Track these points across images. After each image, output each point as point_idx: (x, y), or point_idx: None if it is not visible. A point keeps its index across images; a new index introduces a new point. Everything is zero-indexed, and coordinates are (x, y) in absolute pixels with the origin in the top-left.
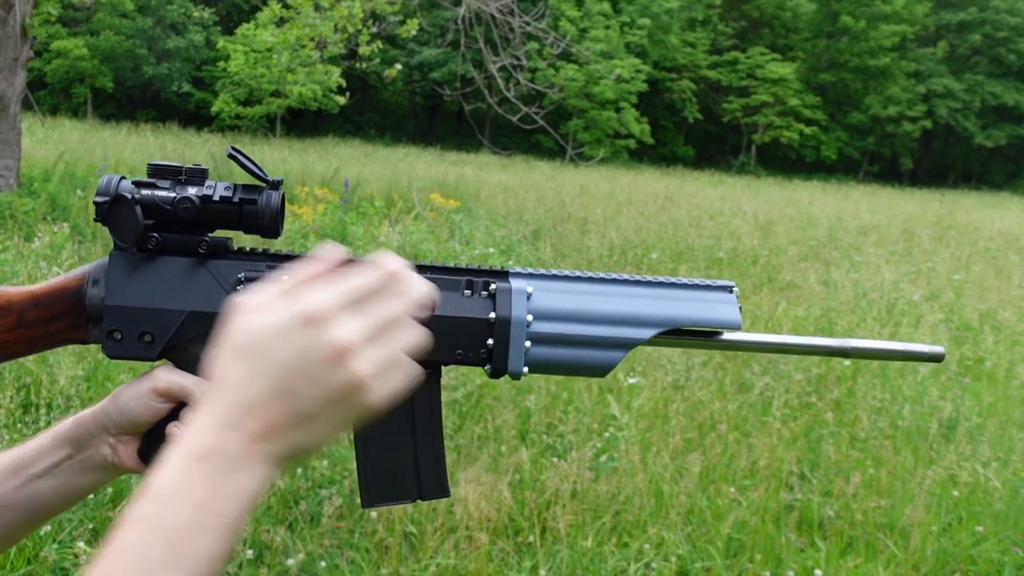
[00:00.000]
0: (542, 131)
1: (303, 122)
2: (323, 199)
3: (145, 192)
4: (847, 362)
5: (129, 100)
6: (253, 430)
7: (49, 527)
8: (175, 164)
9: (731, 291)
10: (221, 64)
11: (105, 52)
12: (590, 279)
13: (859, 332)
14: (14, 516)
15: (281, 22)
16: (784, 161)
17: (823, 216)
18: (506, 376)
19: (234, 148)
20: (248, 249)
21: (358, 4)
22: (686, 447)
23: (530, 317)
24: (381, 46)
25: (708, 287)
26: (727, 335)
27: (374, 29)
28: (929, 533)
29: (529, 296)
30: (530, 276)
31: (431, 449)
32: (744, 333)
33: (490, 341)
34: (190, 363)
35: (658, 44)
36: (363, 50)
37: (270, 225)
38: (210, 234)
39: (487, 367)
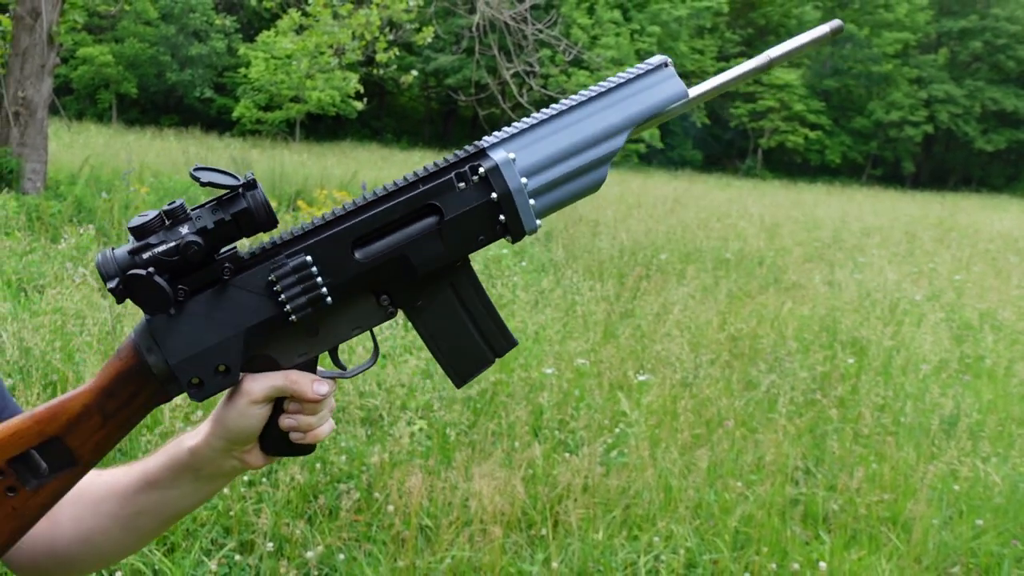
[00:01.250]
0: None
1: (322, 127)
2: (341, 202)
3: (149, 255)
4: (851, 360)
5: (153, 105)
6: None
7: None
8: (152, 213)
9: (667, 66)
10: (242, 70)
11: (129, 59)
12: (552, 118)
13: (862, 330)
14: (148, 521)
15: (300, 30)
16: (789, 165)
17: (827, 218)
18: (519, 377)
19: (199, 167)
20: (258, 249)
21: (375, 12)
22: (694, 443)
23: (524, 179)
24: (398, 53)
25: (648, 73)
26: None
27: (391, 36)
28: (931, 526)
29: (514, 161)
30: (504, 142)
31: (487, 317)
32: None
33: (502, 216)
34: (266, 365)
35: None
36: (380, 57)
37: (267, 220)
38: (218, 255)
39: (508, 237)
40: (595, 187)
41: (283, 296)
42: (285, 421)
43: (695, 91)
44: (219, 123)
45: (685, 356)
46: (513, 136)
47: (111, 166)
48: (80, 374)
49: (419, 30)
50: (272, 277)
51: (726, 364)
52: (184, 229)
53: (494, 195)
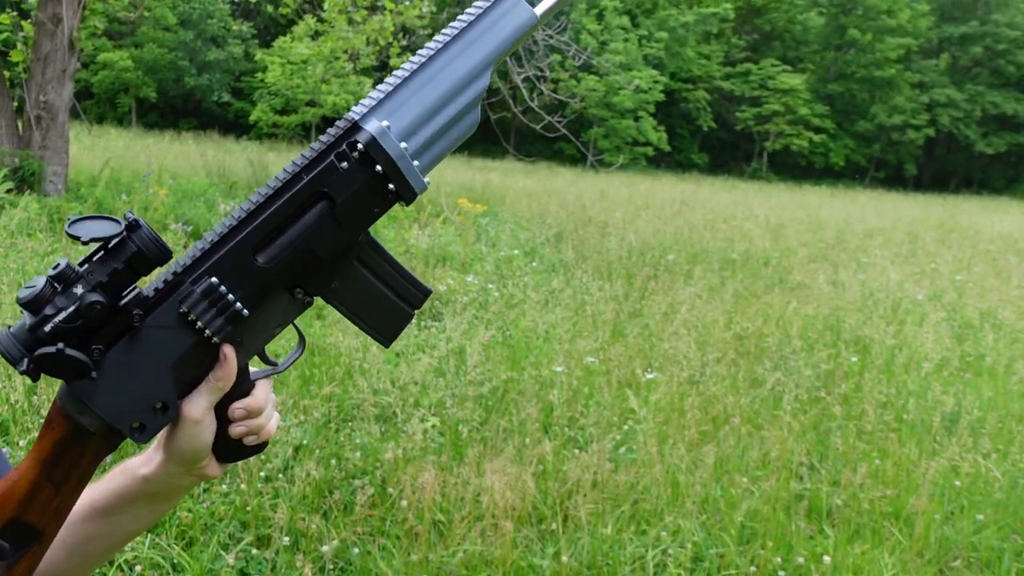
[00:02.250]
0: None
1: None
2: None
3: (50, 327)
4: (854, 359)
5: (172, 109)
6: None
7: None
8: (39, 282)
9: None
10: (259, 75)
11: (149, 64)
12: (414, 73)
13: (866, 329)
14: (98, 546)
15: (316, 35)
16: (794, 167)
17: (831, 220)
18: (529, 375)
19: (73, 221)
20: (161, 283)
21: (389, 18)
22: (701, 439)
23: (404, 144)
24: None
25: (494, 5)
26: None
27: (404, 42)
28: (932, 521)
29: (389, 128)
30: (374, 109)
31: (397, 276)
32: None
33: (391, 185)
34: (197, 384)
35: (675, 56)
36: (394, 62)
37: (160, 254)
38: (121, 301)
39: (401, 202)
40: (471, 130)
41: (199, 323)
42: (236, 430)
43: (541, 8)
44: (236, 127)
45: (692, 354)
46: (381, 102)
47: (131, 169)
48: None
49: (431, 35)
50: (184, 308)
51: (732, 362)
52: (78, 289)
53: (378, 168)
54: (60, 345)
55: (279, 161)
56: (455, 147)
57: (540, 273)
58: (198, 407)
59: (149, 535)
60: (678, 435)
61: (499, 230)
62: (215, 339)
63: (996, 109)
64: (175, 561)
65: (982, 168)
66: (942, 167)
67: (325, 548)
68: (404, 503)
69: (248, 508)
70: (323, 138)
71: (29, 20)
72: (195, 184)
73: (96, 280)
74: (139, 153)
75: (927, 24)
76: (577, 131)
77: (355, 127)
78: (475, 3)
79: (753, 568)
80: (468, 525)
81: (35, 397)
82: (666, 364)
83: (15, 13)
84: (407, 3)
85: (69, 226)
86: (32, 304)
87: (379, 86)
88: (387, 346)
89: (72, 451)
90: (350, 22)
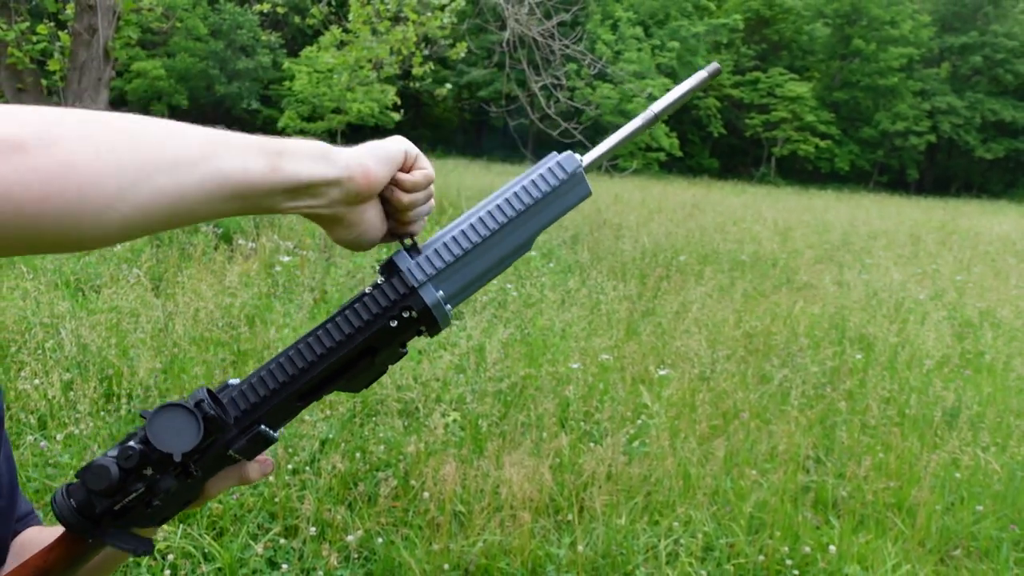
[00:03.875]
0: (580, 144)
1: (361, 136)
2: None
3: (119, 506)
4: (859, 356)
5: (202, 116)
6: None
7: None
8: (109, 470)
9: (579, 169)
10: (286, 83)
11: (181, 72)
12: (474, 247)
13: (869, 328)
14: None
15: (341, 45)
16: (801, 172)
17: (837, 222)
18: (546, 372)
19: (150, 416)
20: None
21: (412, 28)
22: (711, 433)
23: (449, 307)
24: (433, 67)
25: (561, 182)
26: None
27: (426, 52)
28: (934, 512)
29: (442, 297)
30: (432, 278)
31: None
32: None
33: (421, 328)
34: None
35: (686, 65)
36: (416, 71)
37: (219, 425)
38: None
39: (425, 334)
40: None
41: (236, 456)
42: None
43: (587, 158)
44: (265, 133)
45: (703, 352)
46: (441, 271)
47: None
48: (134, 368)
49: (453, 46)
50: (230, 452)
51: (741, 359)
52: (149, 470)
53: (423, 329)
54: (135, 549)
55: None
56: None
57: (556, 274)
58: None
59: (181, 525)
60: (689, 429)
61: None
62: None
63: (995, 116)
64: (206, 550)
65: (981, 173)
66: (943, 172)
67: (350, 538)
68: (426, 495)
69: (276, 499)
70: (379, 297)
71: (66, 31)
72: None
73: (166, 485)
74: None
75: (928, 34)
76: (593, 137)
77: (413, 292)
78: (549, 167)
79: (761, 557)
80: (488, 516)
81: (71, 393)
82: (678, 361)
83: (52, 24)
84: (429, 15)
85: (147, 417)
86: (104, 491)
87: (439, 243)
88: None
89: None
90: (374, 32)
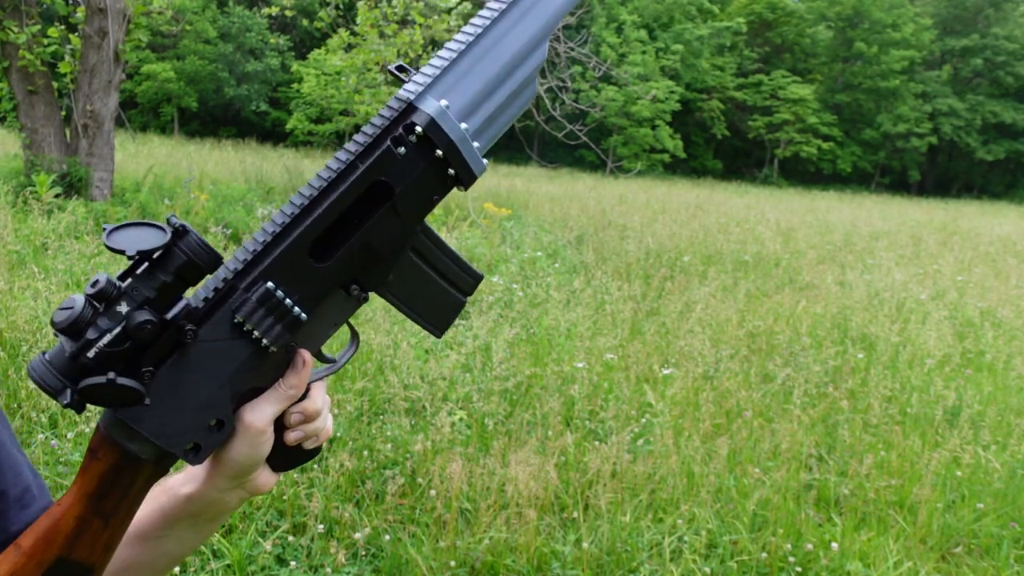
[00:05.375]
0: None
1: None
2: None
3: (94, 353)
4: (861, 355)
5: (212, 118)
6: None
7: None
8: (77, 301)
9: None
10: (295, 86)
11: (190, 75)
12: (471, 46)
13: (871, 327)
14: (138, 574)
15: (349, 48)
16: (804, 173)
17: (839, 223)
18: (552, 371)
19: (111, 231)
20: (211, 292)
21: (419, 32)
22: (715, 432)
23: (464, 126)
24: None
25: None
26: None
27: (433, 54)
28: (935, 510)
29: (448, 108)
30: (431, 87)
31: (452, 265)
32: None
33: (451, 170)
34: (254, 395)
35: (690, 68)
36: None
37: (210, 260)
38: (169, 315)
39: (459, 187)
40: (526, 105)
41: (256, 333)
42: (292, 435)
43: None
44: (273, 135)
45: (707, 351)
46: (438, 78)
47: (173, 175)
48: None
49: None
50: (238, 318)
51: (745, 359)
52: (122, 307)
53: (439, 152)
54: (111, 375)
55: (314, 167)
56: (511, 123)
57: (562, 274)
58: (264, 416)
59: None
60: (693, 428)
61: (523, 233)
62: (273, 348)
63: (995, 118)
64: (215, 548)
65: (982, 174)
66: (944, 173)
67: (358, 535)
68: (433, 492)
69: (284, 497)
70: (375, 120)
71: (76, 34)
72: (234, 189)
73: (142, 296)
74: (181, 160)
75: (930, 37)
76: (597, 139)
77: (411, 108)
78: None
79: (764, 554)
80: (494, 513)
81: None
82: (682, 360)
83: (63, 27)
84: (436, 17)
85: (108, 236)
86: (71, 328)
87: (432, 60)
88: (439, 336)
89: (122, 481)
90: (382, 35)
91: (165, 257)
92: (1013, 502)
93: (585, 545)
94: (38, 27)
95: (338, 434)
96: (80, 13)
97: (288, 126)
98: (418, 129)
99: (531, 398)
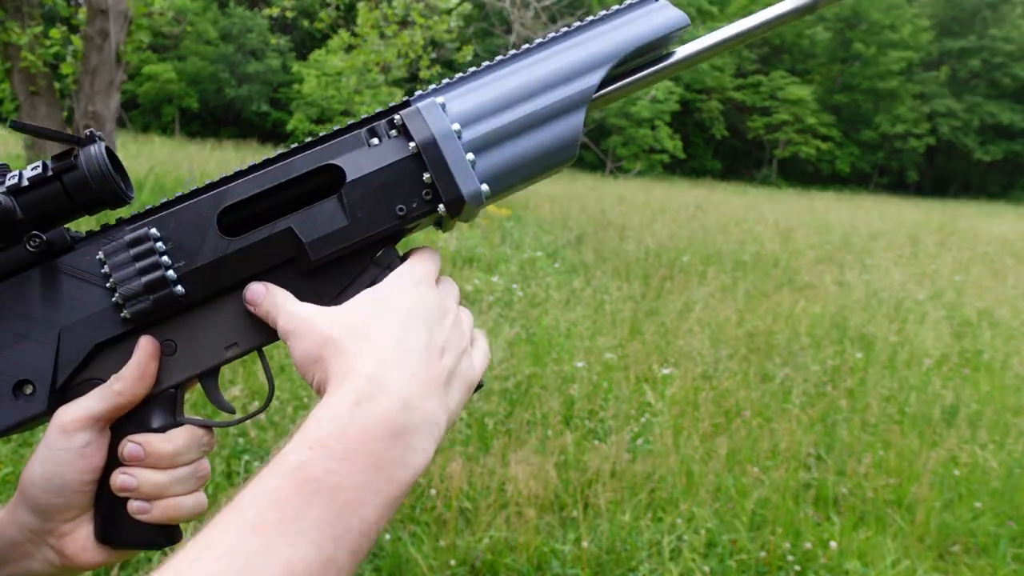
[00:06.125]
0: (584, 146)
1: None
2: None
3: None
4: (859, 355)
5: (213, 119)
6: (416, 391)
7: None
8: None
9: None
10: (295, 86)
11: (191, 76)
12: (501, 62)
13: (870, 327)
14: None
15: (349, 49)
16: (802, 174)
17: (838, 223)
18: (552, 370)
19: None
20: (100, 227)
21: (419, 32)
22: (714, 431)
23: (456, 126)
24: (440, 70)
25: (632, 5)
26: (682, 50)
27: (433, 55)
28: (933, 509)
29: (444, 107)
30: (436, 91)
31: None
32: (694, 43)
33: (426, 175)
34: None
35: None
36: (423, 74)
37: (105, 187)
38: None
39: (440, 207)
40: (565, 148)
41: (113, 279)
42: (119, 479)
43: (705, 40)
44: (274, 135)
45: (706, 351)
46: (450, 84)
47: (174, 175)
48: None
49: (459, 49)
50: (100, 255)
51: (744, 358)
52: None
53: (412, 144)
54: None
55: None
56: (540, 166)
57: (562, 274)
58: (73, 411)
59: (192, 522)
60: (692, 427)
61: (523, 233)
62: (126, 311)
63: (993, 119)
64: None
65: (980, 175)
66: (942, 174)
67: None
68: (433, 492)
69: None
70: (366, 116)
71: (78, 35)
72: None
73: (14, 184)
74: (182, 160)
75: (928, 38)
76: (597, 139)
77: (405, 104)
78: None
79: (763, 553)
80: (494, 512)
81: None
82: (681, 360)
83: (65, 28)
84: (436, 19)
85: (13, 121)
86: None
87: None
88: None
89: None
90: (382, 36)
91: (61, 158)
92: (1010, 501)
93: (585, 544)
94: (40, 28)
95: None
96: (82, 14)
97: (289, 126)
98: (397, 119)
99: (531, 398)
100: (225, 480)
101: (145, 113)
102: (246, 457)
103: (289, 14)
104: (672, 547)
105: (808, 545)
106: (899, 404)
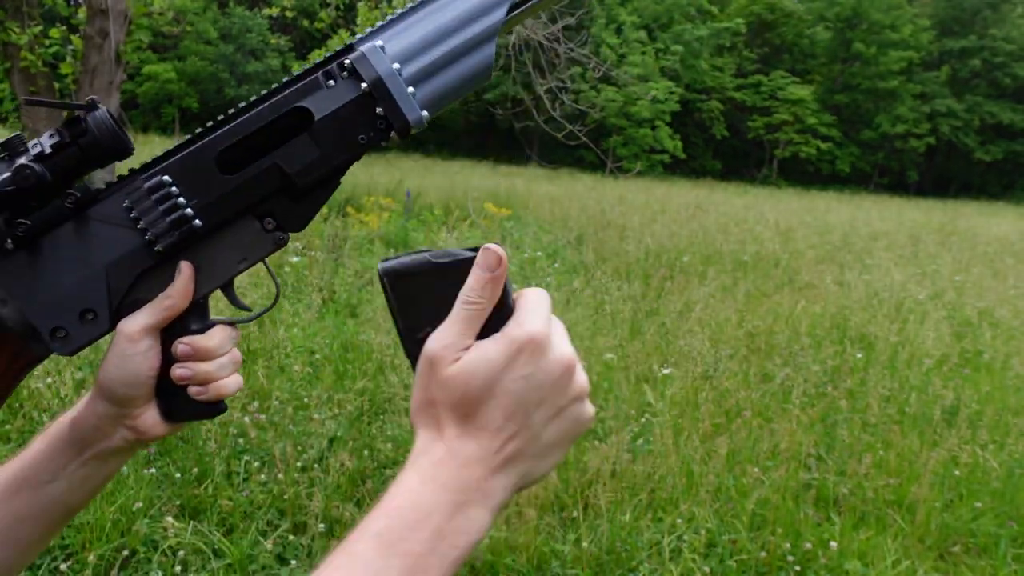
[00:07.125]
0: (585, 147)
1: None
2: (387, 208)
3: None
4: (859, 355)
5: (212, 119)
6: (496, 463)
7: (141, 503)
8: None
9: None
10: None
11: (191, 75)
12: (422, 4)
13: (870, 327)
14: (31, 528)
15: None
16: (803, 174)
17: (838, 223)
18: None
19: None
20: (116, 179)
21: None
22: (714, 431)
23: (396, 65)
24: None
25: None
26: None
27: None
28: (933, 509)
29: (383, 48)
30: (374, 33)
31: None
32: None
33: (379, 109)
34: (139, 306)
35: (689, 68)
36: None
37: (113, 144)
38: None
39: (392, 133)
40: (483, 73)
41: (143, 222)
42: (177, 371)
43: None
44: None
45: (706, 351)
46: (384, 26)
47: None
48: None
49: None
50: (127, 203)
51: (744, 358)
52: (21, 160)
53: (364, 85)
54: None
55: None
56: (465, 88)
57: (562, 274)
58: (134, 323)
59: (191, 522)
60: (693, 427)
61: (523, 233)
62: (159, 245)
63: (993, 119)
64: (216, 547)
65: (980, 175)
66: (942, 174)
67: None
68: None
69: (285, 496)
70: (318, 61)
71: (78, 34)
72: None
73: (40, 152)
74: None
75: (928, 38)
76: (597, 139)
77: (349, 48)
78: None
79: (763, 553)
80: None
81: (83, 391)
82: (681, 360)
83: (64, 28)
84: None
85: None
86: None
87: (391, 14)
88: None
89: None
90: None
91: (71, 124)
92: (1011, 501)
93: (585, 544)
94: (40, 28)
95: (339, 434)
96: (81, 14)
97: None
98: (347, 62)
99: None
100: (225, 480)
101: (145, 113)
102: (246, 457)
103: (289, 14)
104: (672, 547)
105: (808, 545)
106: (899, 404)
